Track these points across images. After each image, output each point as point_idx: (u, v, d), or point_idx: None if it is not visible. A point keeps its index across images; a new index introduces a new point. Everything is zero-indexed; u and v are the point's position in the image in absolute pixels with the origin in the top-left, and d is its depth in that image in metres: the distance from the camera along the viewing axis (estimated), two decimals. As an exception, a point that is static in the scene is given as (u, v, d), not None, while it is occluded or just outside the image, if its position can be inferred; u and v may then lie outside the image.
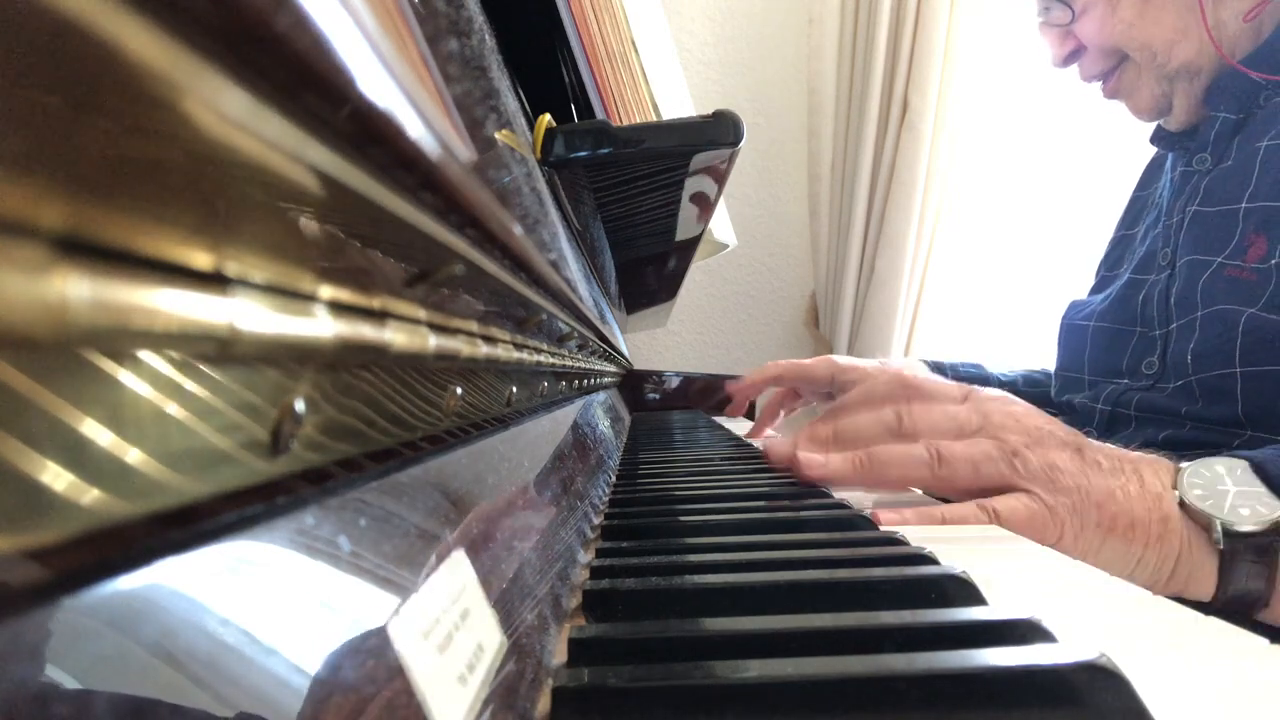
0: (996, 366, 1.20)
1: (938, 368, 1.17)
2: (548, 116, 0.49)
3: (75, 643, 0.10)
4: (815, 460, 0.60)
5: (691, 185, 0.66)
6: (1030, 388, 1.13)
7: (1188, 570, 0.53)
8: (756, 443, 0.94)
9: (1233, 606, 0.53)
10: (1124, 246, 1.05)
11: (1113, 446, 0.58)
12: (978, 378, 1.16)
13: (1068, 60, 0.94)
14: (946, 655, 0.24)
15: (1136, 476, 0.56)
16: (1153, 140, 0.99)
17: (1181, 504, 0.54)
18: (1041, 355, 1.25)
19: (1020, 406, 0.60)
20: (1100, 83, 0.94)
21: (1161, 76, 0.88)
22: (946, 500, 0.58)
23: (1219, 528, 0.52)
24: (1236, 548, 0.52)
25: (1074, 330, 1.01)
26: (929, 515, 0.54)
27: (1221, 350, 0.77)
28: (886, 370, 0.90)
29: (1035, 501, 0.54)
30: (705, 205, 0.77)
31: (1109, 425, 0.91)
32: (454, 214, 0.19)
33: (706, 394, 1.73)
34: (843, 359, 0.99)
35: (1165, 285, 0.88)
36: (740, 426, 1.32)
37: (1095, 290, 1.07)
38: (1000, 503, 0.54)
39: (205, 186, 0.12)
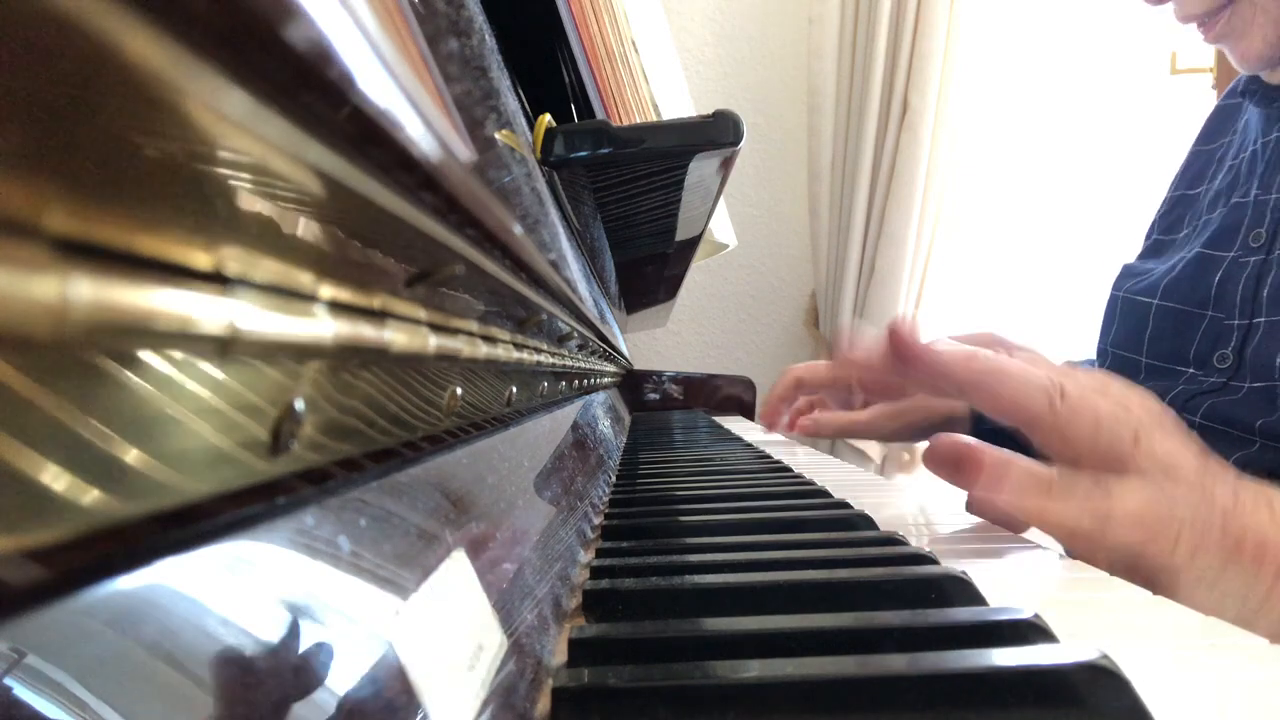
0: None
1: None
2: (548, 116, 0.49)
3: (75, 643, 0.10)
4: (941, 354, 0.50)
5: (691, 185, 0.66)
6: None
7: None
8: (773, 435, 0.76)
9: None
10: (1184, 208, 0.93)
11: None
12: None
13: None
14: (947, 655, 0.24)
15: (1264, 496, 0.46)
16: (1243, 93, 0.86)
17: None
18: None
19: (1141, 392, 0.51)
20: (1198, 26, 0.79)
21: None
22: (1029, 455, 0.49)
23: None
24: None
25: (1132, 305, 0.89)
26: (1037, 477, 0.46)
27: None
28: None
29: (1155, 489, 0.45)
30: (705, 205, 0.77)
31: None
32: (454, 214, 0.19)
33: (706, 394, 1.73)
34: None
35: (1257, 271, 0.77)
36: (740, 427, 1.32)
37: (1148, 255, 0.95)
38: (1117, 485, 0.45)
39: (205, 186, 0.12)
